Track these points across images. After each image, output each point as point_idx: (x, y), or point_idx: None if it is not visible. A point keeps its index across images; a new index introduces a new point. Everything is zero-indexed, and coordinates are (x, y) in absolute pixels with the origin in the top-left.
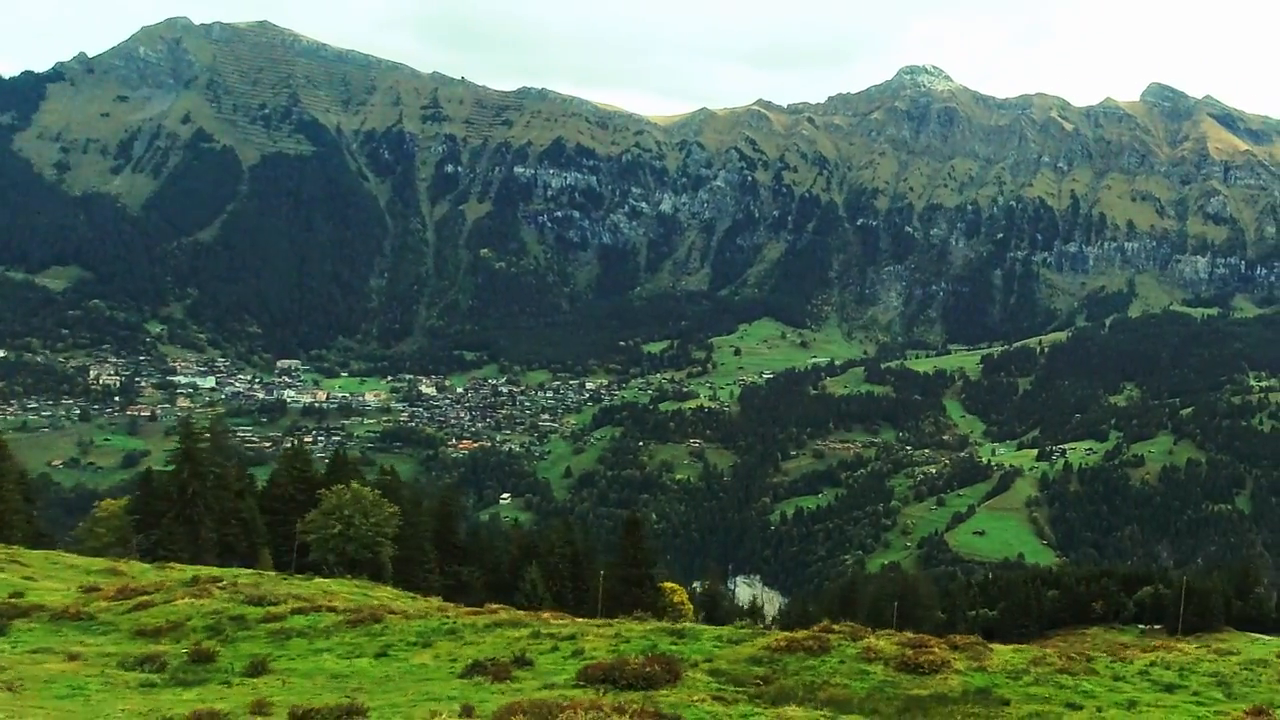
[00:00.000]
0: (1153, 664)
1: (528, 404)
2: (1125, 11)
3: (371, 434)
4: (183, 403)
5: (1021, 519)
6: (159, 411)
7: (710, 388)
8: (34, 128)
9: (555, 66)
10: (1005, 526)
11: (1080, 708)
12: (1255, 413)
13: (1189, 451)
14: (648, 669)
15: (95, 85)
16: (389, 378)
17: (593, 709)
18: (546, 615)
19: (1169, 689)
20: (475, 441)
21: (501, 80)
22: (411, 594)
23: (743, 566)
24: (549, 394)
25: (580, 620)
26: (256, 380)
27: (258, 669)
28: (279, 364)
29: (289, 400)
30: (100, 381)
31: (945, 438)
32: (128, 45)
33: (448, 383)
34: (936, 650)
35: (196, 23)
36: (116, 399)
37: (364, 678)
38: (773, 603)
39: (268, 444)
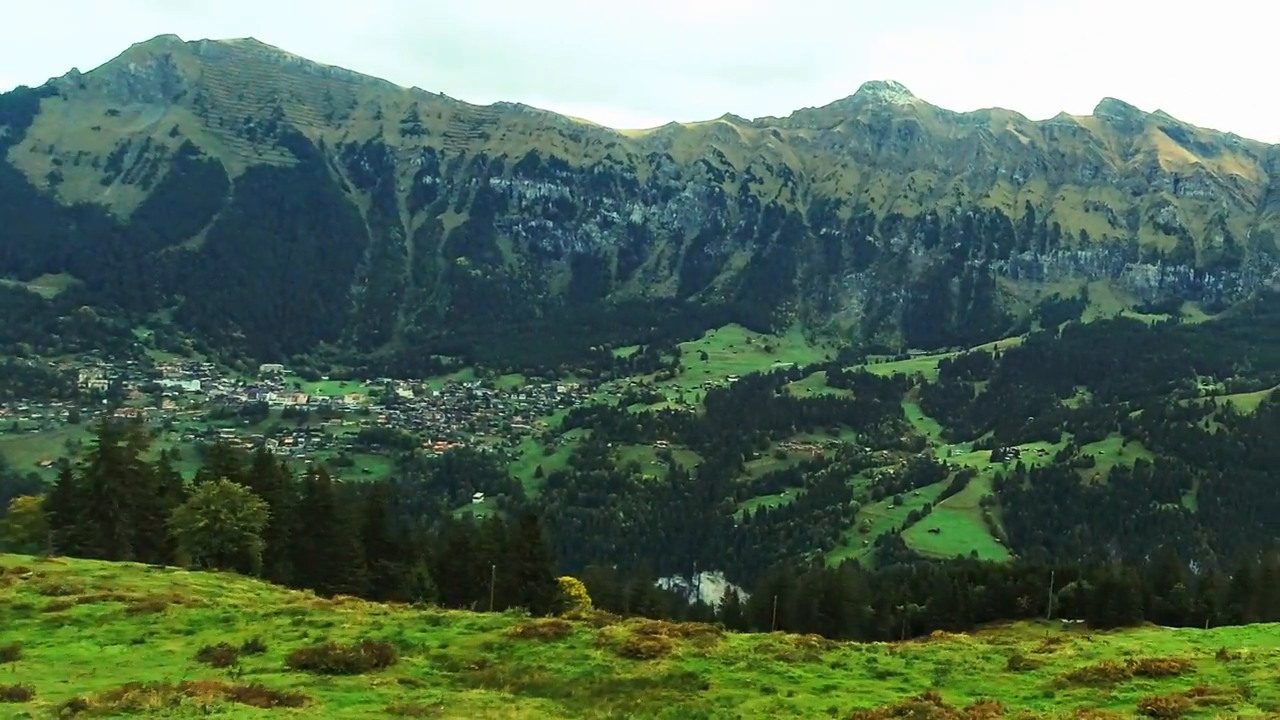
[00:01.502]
0: (914, 655)
1: (501, 407)
2: (1080, 28)
3: (350, 435)
4: (168, 405)
5: (975, 518)
6: (145, 414)
7: (677, 391)
8: (28, 141)
9: (531, 82)
10: (960, 525)
11: (773, 691)
12: (1202, 415)
13: (1138, 453)
14: (351, 655)
15: (87, 100)
16: (368, 381)
17: (212, 689)
18: (348, 605)
19: (881, 676)
20: (450, 443)
21: (479, 95)
22: (280, 586)
23: (707, 564)
24: (522, 397)
25: (376, 608)
26: (240, 384)
27: (6, 655)
28: (262, 368)
29: (271, 403)
30: (89, 385)
31: (903, 439)
32: (119, 61)
33: (424, 386)
34: (663, 637)
35: (185, 40)
36: (104, 402)
37: (104, 663)
38: (737, 599)
39: (249, 445)
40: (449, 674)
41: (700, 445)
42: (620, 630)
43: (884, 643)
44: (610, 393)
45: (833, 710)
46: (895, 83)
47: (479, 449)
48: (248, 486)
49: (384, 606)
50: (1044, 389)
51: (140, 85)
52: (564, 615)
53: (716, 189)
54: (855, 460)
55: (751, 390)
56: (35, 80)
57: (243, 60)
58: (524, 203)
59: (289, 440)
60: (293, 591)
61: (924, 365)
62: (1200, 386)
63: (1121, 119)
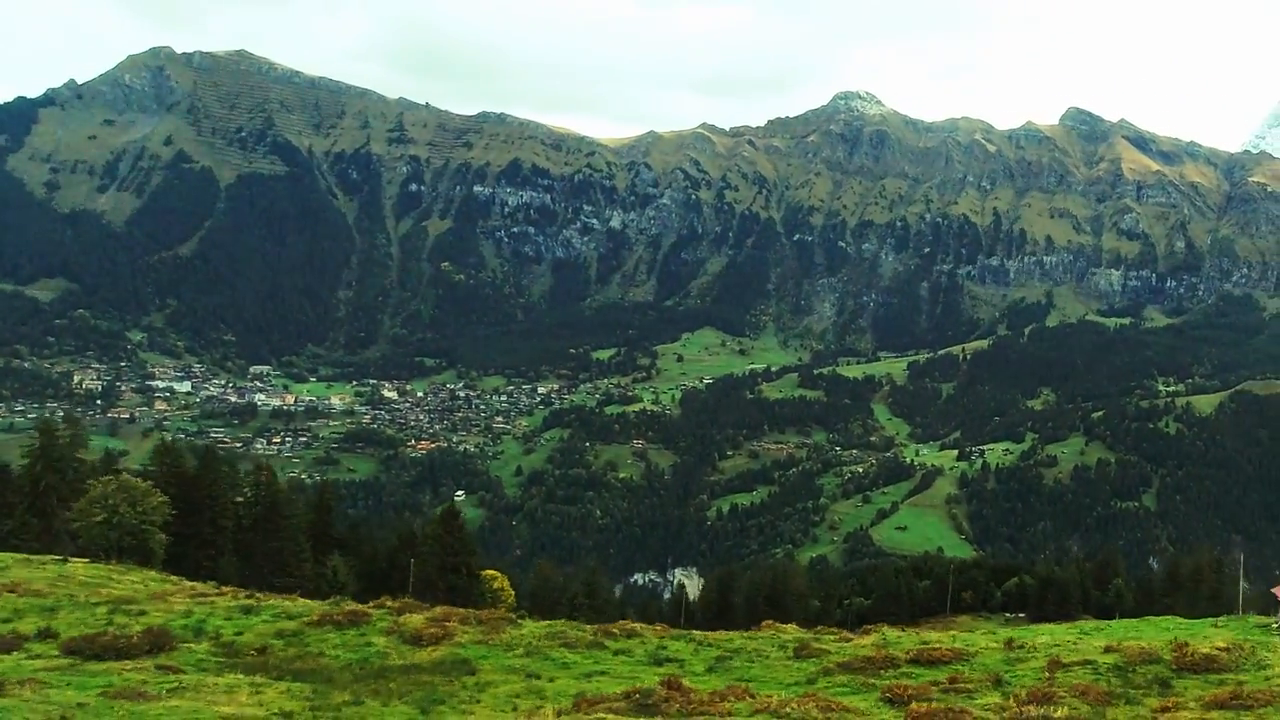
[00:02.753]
0: (707, 643)
1: (483, 407)
2: (1046, 41)
3: (336, 435)
4: (160, 406)
5: (941, 515)
6: (138, 414)
7: (654, 392)
8: (26, 149)
9: (515, 93)
10: (926, 522)
11: (537, 677)
12: (1162, 416)
13: (1099, 452)
14: (123, 642)
15: (84, 110)
16: (354, 383)
17: None
18: (192, 595)
19: (659, 663)
20: (433, 442)
21: (463, 105)
22: (176, 578)
23: (681, 559)
24: (503, 398)
25: (216, 600)
26: (230, 385)
27: None
28: (251, 369)
29: (259, 404)
30: (83, 386)
31: (872, 439)
32: (114, 73)
33: (409, 387)
34: (453, 625)
35: (179, 52)
36: (98, 402)
37: None
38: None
39: (238, 444)
40: (223, 659)
41: (675, 445)
42: (415, 619)
43: (700, 633)
44: (589, 394)
45: (579, 695)
46: (867, 93)
47: (461, 448)
48: (146, 485)
49: (222, 596)
50: (1009, 390)
51: (135, 96)
52: (484, 609)
53: (693, 196)
54: (825, 459)
55: (726, 391)
56: (34, 91)
57: (234, 71)
58: (506, 209)
59: (276, 440)
60: (190, 583)
61: (893, 367)
62: (1161, 388)
63: (1086, 128)
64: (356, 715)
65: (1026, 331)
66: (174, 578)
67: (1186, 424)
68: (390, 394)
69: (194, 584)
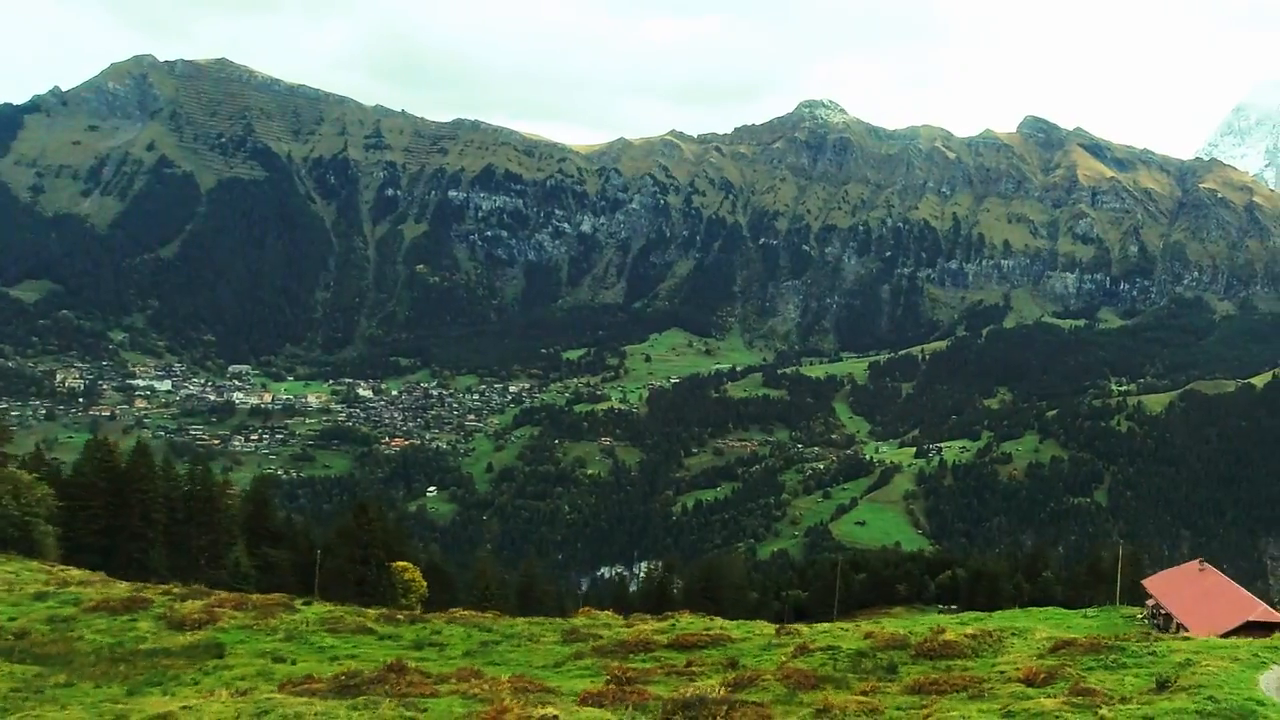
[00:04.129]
0: (479, 627)
1: (455, 405)
2: (1004, 52)
3: (312, 432)
4: (140, 404)
5: (899, 511)
6: (118, 412)
7: (622, 391)
8: (11, 155)
9: (489, 101)
10: (884, 517)
11: (284, 660)
12: (1114, 414)
13: (1053, 450)
14: None
15: (68, 116)
16: (331, 382)
17: None
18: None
19: (419, 646)
20: (407, 439)
21: (439, 112)
22: (53, 568)
23: (647, 554)
24: (475, 396)
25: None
26: (209, 384)
27: None
28: (230, 369)
29: (238, 402)
30: (65, 384)
31: (834, 437)
32: (98, 80)
33: (384, 386)
34: (223, 610)
35: (161, 60)
36: (80, 400)
37: None
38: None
39: (216, 441)
40: None
41: (642, 442)
42: (190, 605)
43: (505, 621)
44: (559, 393)
45: (308, 675)
46: (831, 102)
47: (434, 445)
48: (32, 477)
49: (84, 587)
50: (967, 390)
51: (119, 102)
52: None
53: (662, 201)
54: (788, 456)
55: (692, 390)
56: (20, 98)
57: (216, 79)
58: (480, 214)
59: (254, 437)
60: (75, 573)
61: (855, 367)
62: (1114, 387)
63: (1043, 136)
64: (65, 695)
65: (984, 333)
66: (56, 567)
67: (1138, 422)
68: (365, 393)
69: (75, 574)
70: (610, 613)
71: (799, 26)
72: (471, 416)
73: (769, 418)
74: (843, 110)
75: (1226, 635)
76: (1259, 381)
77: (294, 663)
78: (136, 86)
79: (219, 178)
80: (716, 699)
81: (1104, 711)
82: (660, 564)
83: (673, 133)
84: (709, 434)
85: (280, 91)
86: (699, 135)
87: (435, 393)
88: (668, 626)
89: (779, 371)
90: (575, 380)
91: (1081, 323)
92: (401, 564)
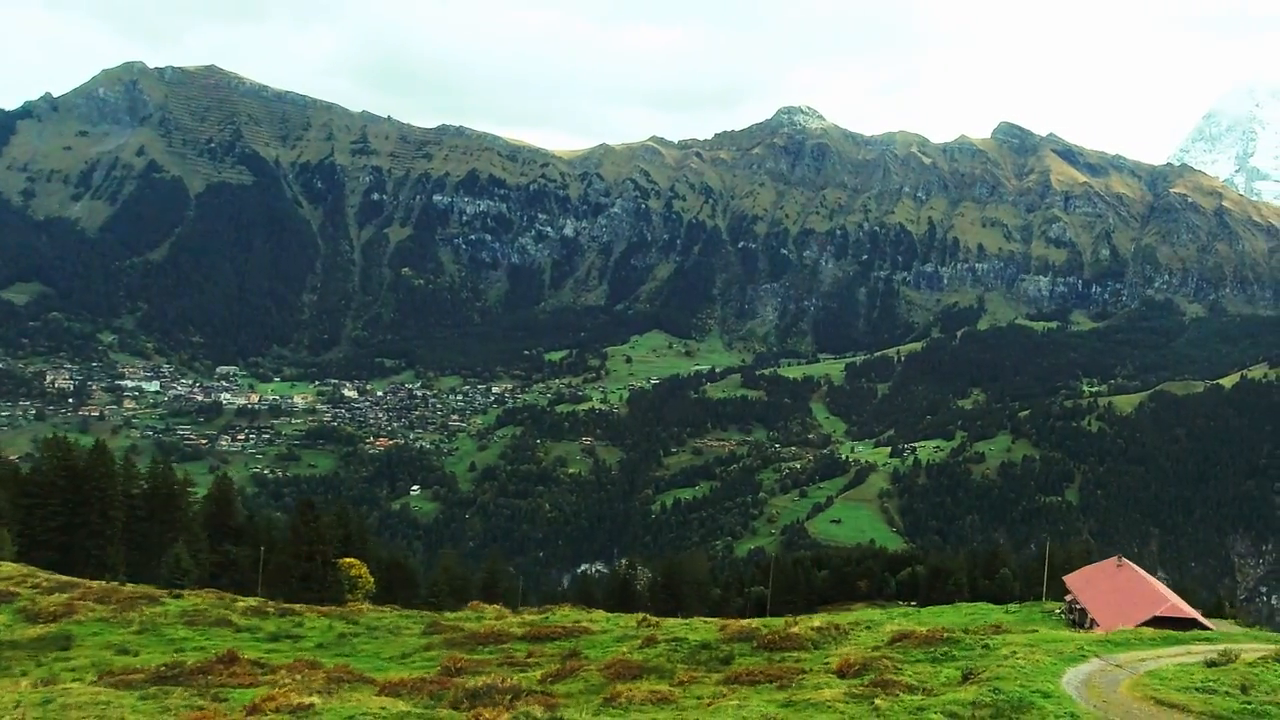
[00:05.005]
0: (343, 619)
1: (439, 406)
2: (979, 59)
3: (298, 432)
4: (129, 404)
5: (874, 509)
6: (107, 412)
7: (603, 392)
8: (4, 160)
9: (474, 107)
10: (859, 515)
11: (128, 651)
12: (1085, 415)
13: (1025, 449)
14: None
15: (59, 122)
16: (317, 382)
17: None
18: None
19: (276, 639)
20: (391, 439)
21: (425, 118)
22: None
23: (626, 551)
24: (459, 397)
25: None
26: (197, 384)
27: None
28: (218, 369)
29: (225, 402)
30: (56, 385)
31: (810, 436)
32: (89, 86)
33: (369, 387)
34: (84, 604)
35: (151, 66)
36: (70, 400)
37: None
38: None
39: (204, 441)
40: None
41: (622, 442)
42: (52, 599)
43: (373, 613)
44: (541, 393)
45: (132, 667)
46: (809, 108)
47: (418, 445)
48: None
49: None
50: (941, 390)
51: (109, 108)
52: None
53: (643, 205)
54: (765, 456)
55: (671, 391)
56: (12, 104)
57: (205, 85)
58: (464, 218)
59: (240, 437)
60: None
61: (831, 368)
62: (1085, 388)
63: (1017, 141)
64: None
65: (959, 334)
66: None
67: (1108, 422)
68: (351, 393)
69: (14, 570)
70: (499, 606)
71: (778, 34)
72: (455, 417)
73: (747, 418)
74: (821, 116)
75: (1136, 629)
76: (1227, 382)
77: (138, 654)
78: (127, 93)
79: (207, 182)
80: (502, 688)
81: (879, 701)
82: (625, 562)
83: (654, 138)
84: (688, 434)
85: (268, 98)
86: (679, 141)
87: (419, 393)
88: (539, 619)
89: (757, 373)
90: (557, 381)
91: (1054, 325)
92: (349, 560)
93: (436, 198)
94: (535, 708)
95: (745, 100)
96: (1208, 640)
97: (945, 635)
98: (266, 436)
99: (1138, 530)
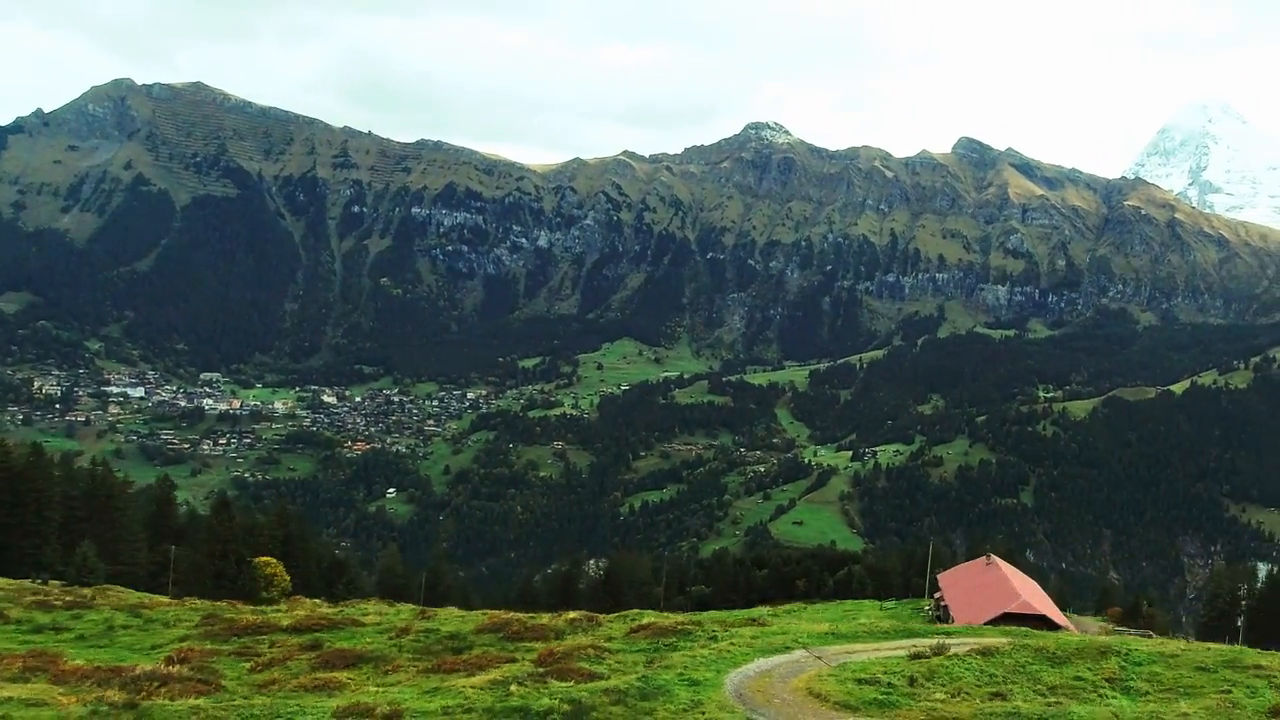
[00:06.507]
0: (170, 613)
1: (416, 411)
2: (941, 76)
3: (278, 437)
4: (114, 410)
5: (835, 511)
6: (93, 417)
7: (574, 398)
8: None
9: (452, 122)
10: (821, 517)
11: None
12: (1040, 420)
13: (982, 453)
14: None
15: (50, 137)
16: (297, 389)
17: None
18: None
19: (39, 631)
20: (368, 444)
21: (404, 133)
22: None
23: (595, 552)
24: (435, 403)
25: None
26: (180, 390)
27: None
28: (202, 376)
29: (207, 408)
30: (43, 391)
31: (775, 441)
32: (79, 102)
33: (348, 393)
34: None
35: (139, 83)
36: (57, 406)
37: None
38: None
39: (186, 445)
40: None
41: (593, 446)
42: None
43: (169, 609)
44: (514, 399)
45: None
46: (776, 124)
47: (394, 449)
48: None
49: None
50: (902, 396)
51: (98, 124)
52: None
53: (615, 217)
54: (731, 459)
55: (641, 397)
56: (3, 120)
57: (191, 102)
58: (442, 229)
59: (222, 441)
60: None
61: (796, 375)
62: (1041, 394)
63: (976, 156)
64: None
65: (919, 342)
66: None
67: (1063, 427)
68: (330, 399)
69: None
70: (318, 600)
71: (746, 53)
72: (431, 422)
73: (714, 423)
74: (787, 132)
75: (986, 625)
76: (1178, 388)
77: None
78: (115, 108)
79: (193, 195)
80: (153, 674)
81: (514, 689)
82: (568, 562)
83: (625, 153)
84: (656, 438)
85: (253, 113)
86: (650, 155)
87: (397, 399)
88: (310, 612)
89: (724, 379)
90: (530, 387)
91: (1011, 333)
92: (265, 559)
93: (415, 210)
94: (136, 695)
95: (715, 116)
96: (978, 636)
97: (682, 628)
98: (248, 441)
99: (1090, 531)
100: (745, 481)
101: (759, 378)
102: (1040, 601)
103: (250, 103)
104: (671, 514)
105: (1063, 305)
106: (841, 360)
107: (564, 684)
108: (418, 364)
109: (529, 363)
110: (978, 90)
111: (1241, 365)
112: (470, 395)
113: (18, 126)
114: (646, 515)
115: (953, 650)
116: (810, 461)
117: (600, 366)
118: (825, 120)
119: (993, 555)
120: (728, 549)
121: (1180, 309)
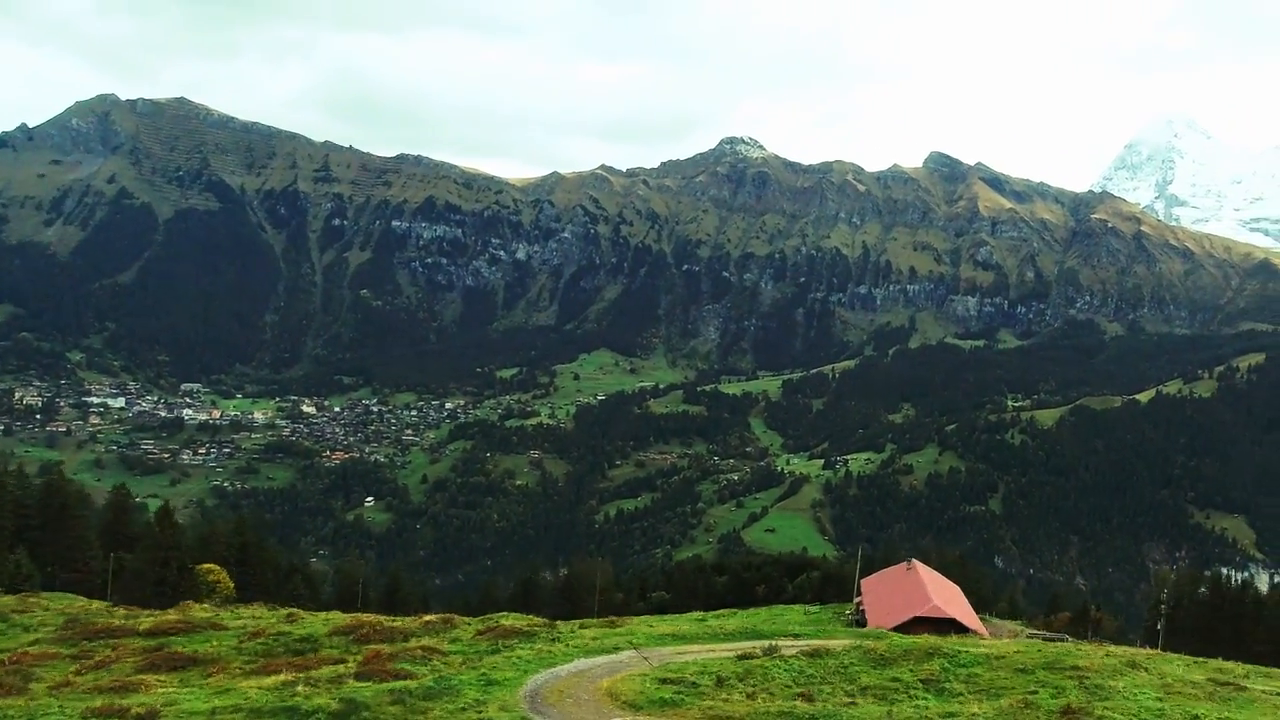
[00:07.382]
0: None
1: (394, 421)
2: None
3: (257, 446)
4: (94, 420)
5: (807, 518)
6: (74, 428)
7: (551, 407)
8: None
9: (432, 137)
10: (793, 524)
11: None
12: (1009, 428)
13: (952, 461)
14: None
15: (34, 151)
16: (277, 399)
17: None
18: None
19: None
20: (347, 453)
21: (385, 147)
22: None
23: (571, 560)
24: (413, 412)
25: None
26: (161, 401)
27: None
28: (183, 386)
29: (187, 418)
30: (24, 402)
31: (748, 450)
32: (63, 117)
33: (327, 403)
34: None
35: (123, 98)
36: (38, 417)
37: None
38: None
39: (166, 455)
40: None
41: (569, 455)
42: None
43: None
44: (492, 409)
45: None
46: (751, 139)
47: (373, 458)
48: None
49: None
50: (873, 405)
51: (82, 138)
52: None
53: (592, 230)
54: (705, 468)
55: (616, 406)
56: None
57: (174, 116)
58: (421, 242)
59: (202, 450)
60: None
61: (770, 385)
62: (1009, 403)
63: (947, 170)
64: None
65: (891, 353)
66: None
67: (1030, 435)
68: (309, 409)
69: None
70: (206, 606)
71: (722, 70)
72: (409, 431)
73: (688, 432)
74: (762, 146)
75: (896, 629)
76: (1144, 397)
77: None
78: (99, 123)
79: (176, 208)
80: None
81: (300, 689)
82: (529, 569)
83: (603, 167)
84: (632, 447)
85: (235, 128)
86: (627, 169)
87: (375, 409)
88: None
89: (699, 389)
90: (508, 397)
91: (981, 343)
92: (207, 566)
93: (395, 223)
94: None
95: (691, 131)
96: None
97: (530, 629)
98: (227, 451)
99: (1058, 538)
100: (719, 490)
101: (733, 387)
102: (954, 606)
103: (233, 118)
104: (646, 522)
105: (1031, 316)
106: (814, 370)
107: (364, 684)
108: (397, 375)
109: (507, 373)
110: (949, 106)
111: (1206, 375)
112: (448, 405)
113: (2, 141)
114: (622, 523)
115: (783, 652)
116: (783, 470)
117: (577, 377)
118: (800, 135)
119: (914, 561)
120: (700, 556)
121: (1146, 319)
